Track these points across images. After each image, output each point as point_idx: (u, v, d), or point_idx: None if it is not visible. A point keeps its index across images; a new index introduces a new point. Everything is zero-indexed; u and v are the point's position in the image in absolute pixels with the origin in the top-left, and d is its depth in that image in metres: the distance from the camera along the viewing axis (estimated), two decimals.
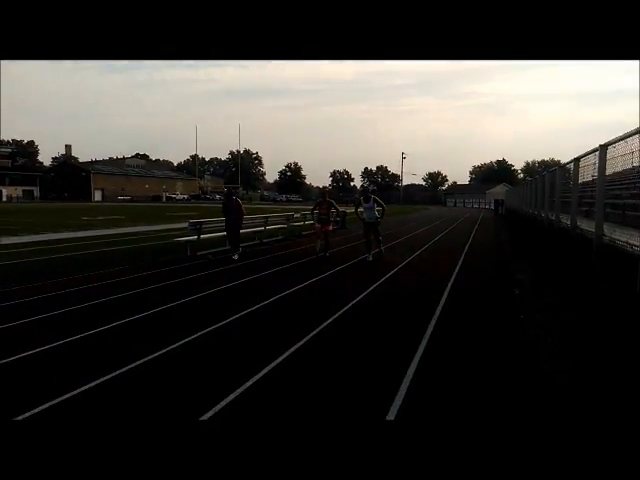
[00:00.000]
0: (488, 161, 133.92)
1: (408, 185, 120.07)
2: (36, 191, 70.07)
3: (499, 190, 73.91)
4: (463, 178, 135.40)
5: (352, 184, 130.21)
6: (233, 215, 11.07)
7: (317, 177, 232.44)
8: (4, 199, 62.37)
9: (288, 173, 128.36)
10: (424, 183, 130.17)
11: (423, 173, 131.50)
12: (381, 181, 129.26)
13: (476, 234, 18.65)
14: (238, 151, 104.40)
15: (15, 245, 12.90)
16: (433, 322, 5.52)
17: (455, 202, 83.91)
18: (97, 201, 70.70)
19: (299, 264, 10.17)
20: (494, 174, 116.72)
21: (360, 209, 11.34)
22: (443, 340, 4.87)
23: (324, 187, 14.53)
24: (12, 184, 67.24)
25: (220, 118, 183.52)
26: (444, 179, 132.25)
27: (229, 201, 11.41)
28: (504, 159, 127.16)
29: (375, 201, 10.80)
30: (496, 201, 46.47)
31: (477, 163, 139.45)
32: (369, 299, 6.90)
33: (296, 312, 6.13)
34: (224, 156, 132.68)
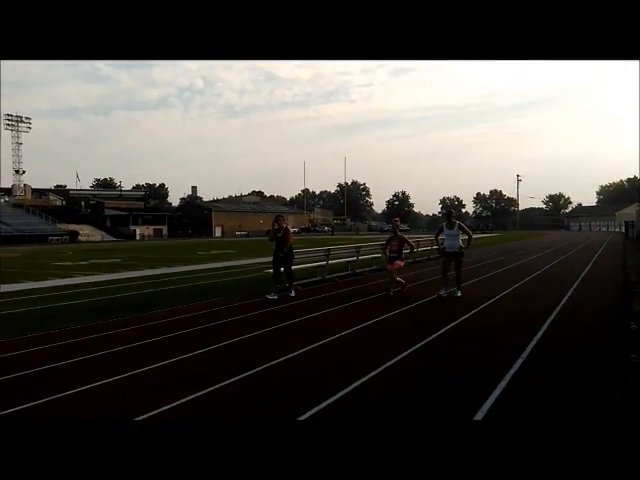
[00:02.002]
0: (618, 180, 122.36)
1: (526, 209, 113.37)
2: (164, 229, 77.05)
3: (632, 211, 66.57)
4: (589, 199, 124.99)
5: (464, 210, 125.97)
6: (283, 246, 9.81)
7: (425, 205, 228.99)
8: (137, 237, 69.39)
9: (396, 202, 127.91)
10: (544, 206, 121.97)
11: (542, 196, 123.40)
12: (495, 206, 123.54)
13: (593, 267, 15.87)
14: (346, 183, 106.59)
15: (136, 279, 14.12)
16: None
17: (580, 226, 77.19)
18: (217, 237, 75.76)
19: (370, 300, 9.76)
20: (625, 194, 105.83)
21: (441, 236, 9.80)
22: None
23: (395, 220, 13.02)
24: (144, 223, 74.81)
25: (329, 152, 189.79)
26: (567, 201, 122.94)
27: (279, 229, 9.89)
28: (636, 177, 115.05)
29: (460, 228, 9.25)
30: (627, 223, 41.94)
31: (605, 182, 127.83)
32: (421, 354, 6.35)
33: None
34: (333, 189, 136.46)
